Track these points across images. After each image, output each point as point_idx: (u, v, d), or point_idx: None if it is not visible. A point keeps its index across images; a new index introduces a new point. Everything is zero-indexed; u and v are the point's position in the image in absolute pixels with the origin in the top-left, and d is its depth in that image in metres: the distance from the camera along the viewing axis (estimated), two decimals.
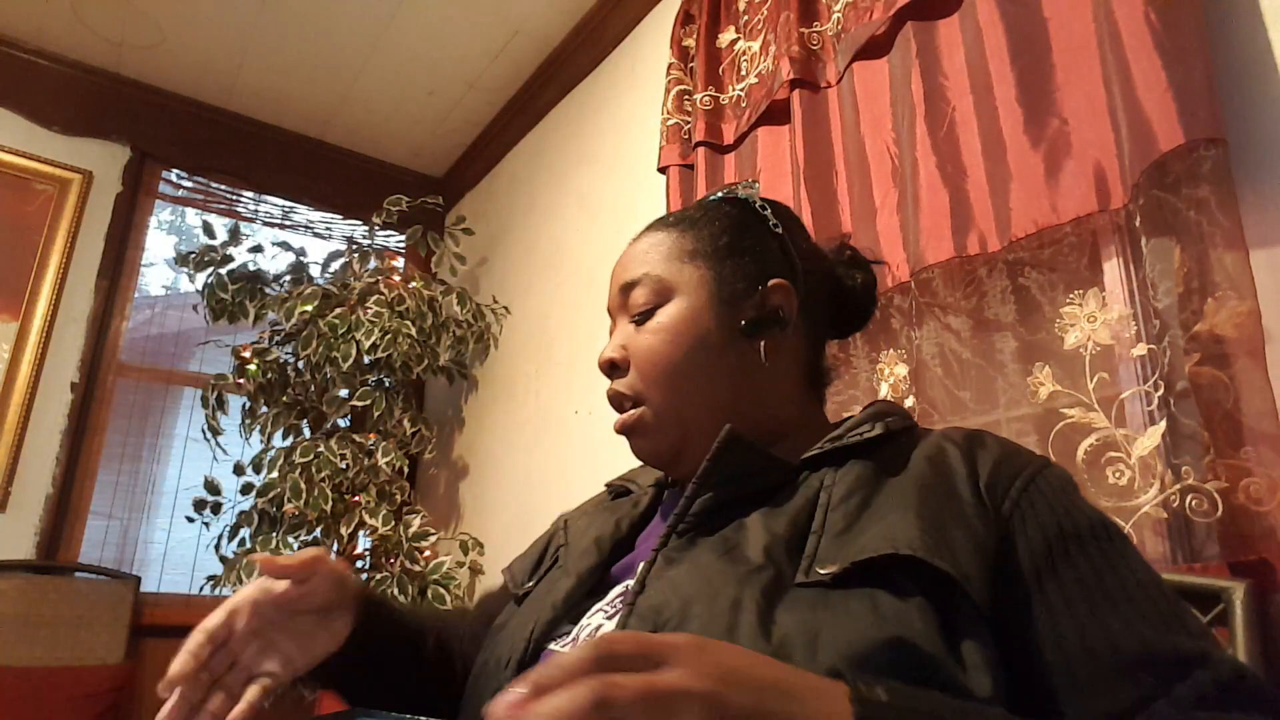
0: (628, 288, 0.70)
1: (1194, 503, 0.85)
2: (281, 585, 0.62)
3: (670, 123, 1.78)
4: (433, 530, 2.32)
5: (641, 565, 0.58)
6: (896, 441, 0.61)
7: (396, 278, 2.57)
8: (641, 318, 0.68)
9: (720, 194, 0.75)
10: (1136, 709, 0.45)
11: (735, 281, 0.67)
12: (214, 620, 0.60)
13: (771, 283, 0.67)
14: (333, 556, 0.63)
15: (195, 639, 0.58)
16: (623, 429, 0.69)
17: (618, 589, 0.62)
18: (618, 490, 0.79)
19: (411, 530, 2.28)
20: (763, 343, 0.66)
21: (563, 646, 0.59)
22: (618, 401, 0.69)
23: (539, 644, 0.60)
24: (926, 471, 0.56)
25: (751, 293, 0.67)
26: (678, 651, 0.35)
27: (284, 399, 2.37)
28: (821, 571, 0.50)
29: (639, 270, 0.70)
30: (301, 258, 2.54)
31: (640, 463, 0.73)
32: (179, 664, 0.56)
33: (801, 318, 0.69)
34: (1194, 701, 0.44)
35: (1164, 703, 0.44)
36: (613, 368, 0.69)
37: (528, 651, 0.59)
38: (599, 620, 0.59)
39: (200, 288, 2.38)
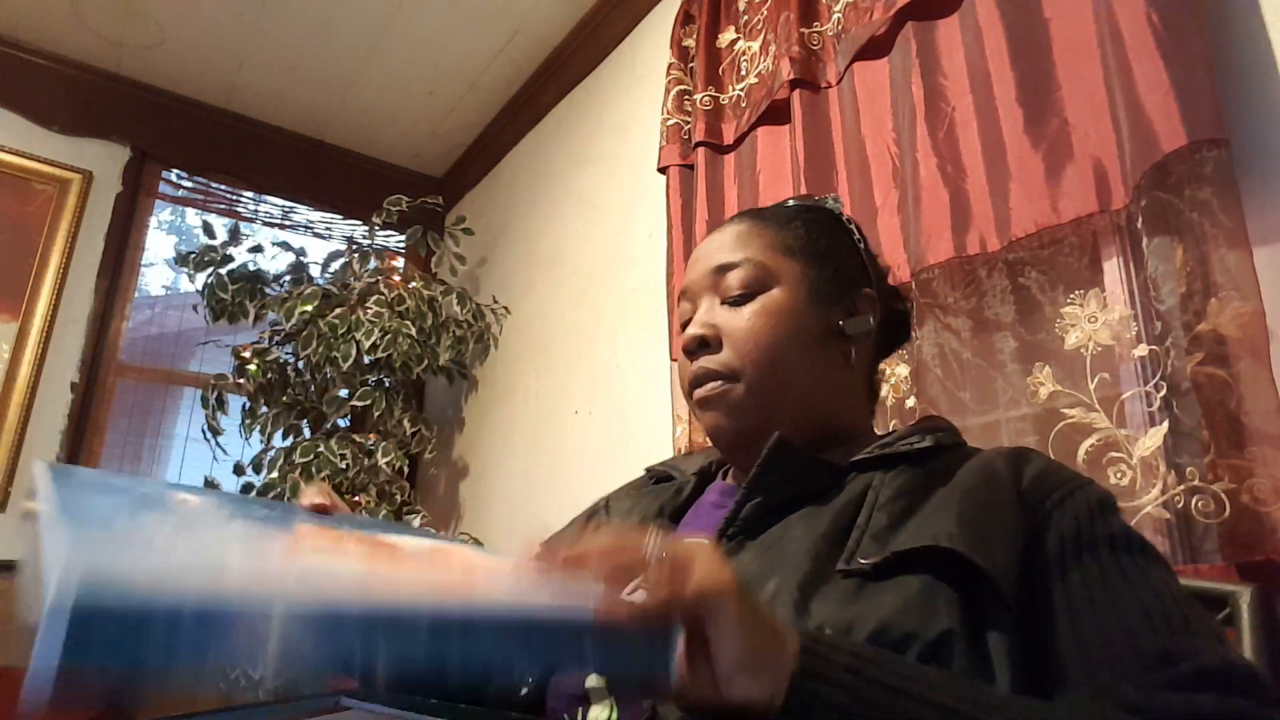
0: (724, 269, 0.69)
1: (1200, 504, 0.85)
2: None
3: (670, 123, 1.78)
4: (433, 530, 2.31)
5: None
6: (947, 455, 0.62)
7: (396, 278, 2.57)
8: (738, 300, 0.68)
9: (809, 201, 0.77)
10: (1104, 692, 0.46)
11: (832, 284, 0.70)
12: None
13: (864, 291, 0.71)
14: None
15: None
16: (706, 400, 0.68)
17: None
18: (660, 476, 0.79)
19: None
20: (852, 347, 0.69)
21: None
22: (703, 378, 0.68)
23: None
24: (973, 480, 0.57)
25: (843, 298, 0.70)
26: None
27: (284, 399, 2.37)
28: (863, 561, 0.52)
29: (739, 254, 0.69)
30: (301, 258, 2.54)
31: (673, 455, 0.73)
32: None
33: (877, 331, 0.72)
34: (1164, 684, 0.44)
35: (1128, 685, 0.45)
36: (702, 344, 0.68)
37: None
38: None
39: (200, 288, 2.38)
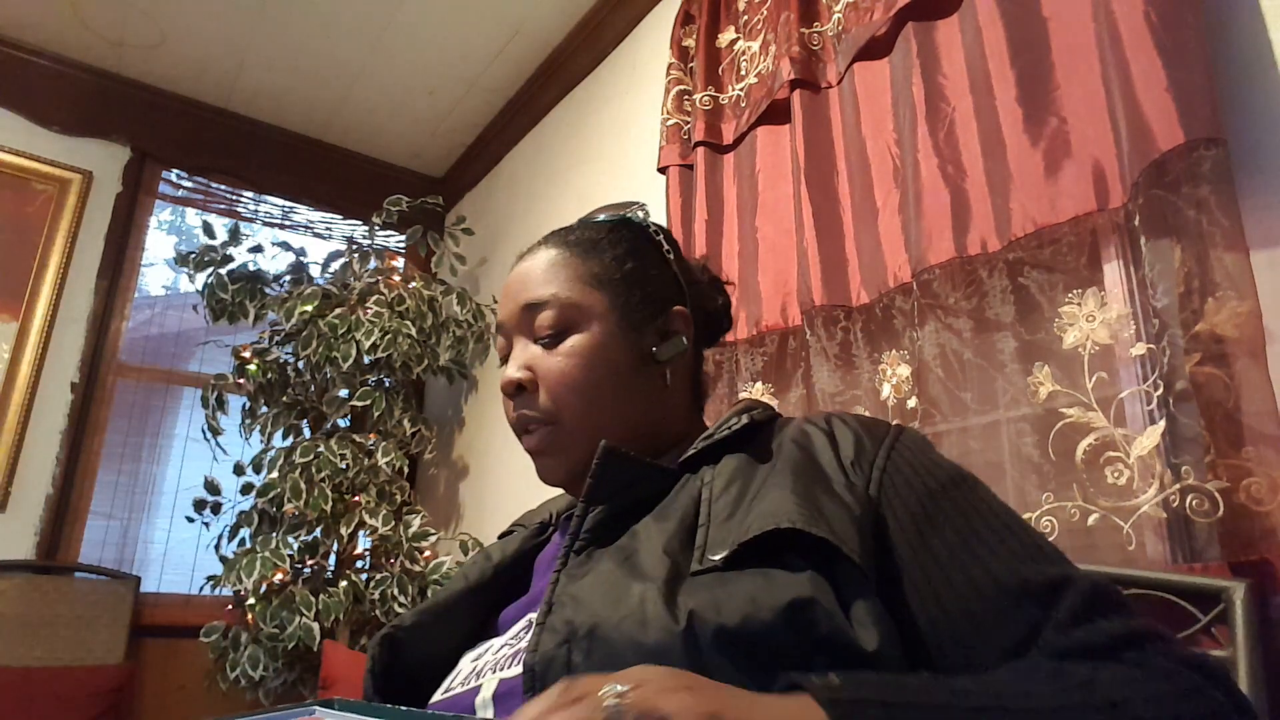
0: (534, 307, 0.69)
1: (1195, 503, 0.85)
2: None
3: (670, 123, 1.78)
4: (433, 530, 2.32)
5: (546, 589, 0.58)
6: (763, 431, 0.65)
7: (396, 278, 2.57)
8: (550, 340, 0.68)
9: (616, 216, 0.76)
10: (1030, 638, 0.49)
11: (641, 309, 0.70)
12: None
13: (674, 310, 0.72)
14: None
15: None
16: (534, 449, 0.70)
17: (520, 624, 0.63)
18: (504, 535, 0.81)
19: (411, 530, 2.28)
20: (667, 367, 0.70)
21: (447, 690, 0.62)
22: (524, 424, 0.69)
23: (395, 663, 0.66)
24: (795, 453, 0.60)
25: (655, 320, 0.71)
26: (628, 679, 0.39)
27: (284, 399, 2.37)
28: (714, 558, 0.53)
29: (545, 291, 0.69)
30: (301, 258, 2.54)
31: (532, 507, 0.75)
32: None
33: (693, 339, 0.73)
34: (1070, 620, 0.48)
35: (1050, 629, 0.48)
36: (519, 389, 0.69)
37: (381, 662, 0.66)
38: (505, 652, 0.60)
39: (200, 288, 2.38)
